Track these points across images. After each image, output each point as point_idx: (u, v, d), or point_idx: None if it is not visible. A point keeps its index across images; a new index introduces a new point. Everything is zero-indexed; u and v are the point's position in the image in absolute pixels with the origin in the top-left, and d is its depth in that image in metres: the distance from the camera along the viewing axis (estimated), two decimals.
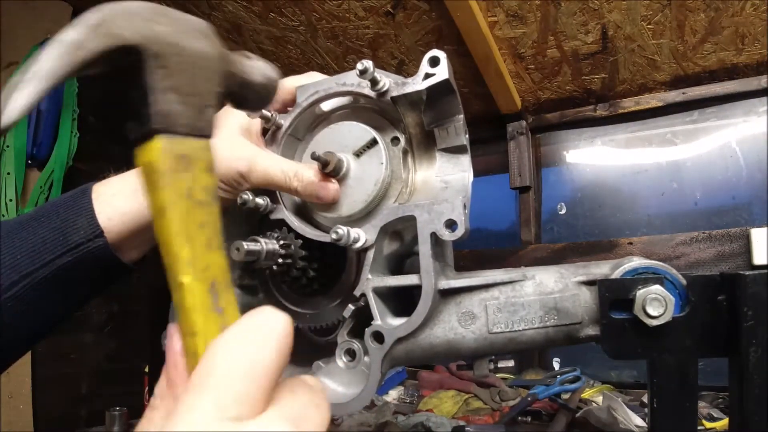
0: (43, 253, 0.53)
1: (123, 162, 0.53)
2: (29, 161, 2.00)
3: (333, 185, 0.58)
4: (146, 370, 1.72)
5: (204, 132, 0.32)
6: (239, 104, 0.42)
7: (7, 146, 1.93)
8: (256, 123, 0.63)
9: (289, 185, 0.58)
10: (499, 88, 1.81)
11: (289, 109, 0.65)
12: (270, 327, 0.29)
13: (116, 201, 0.56)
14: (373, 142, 0.59)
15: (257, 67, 0.41)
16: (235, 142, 0.60)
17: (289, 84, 0.65)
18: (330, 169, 0.57)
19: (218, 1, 1.84)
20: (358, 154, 0.59)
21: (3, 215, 1.91)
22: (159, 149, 0.29)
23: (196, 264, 0.30)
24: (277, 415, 0.27)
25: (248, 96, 0.41)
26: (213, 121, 0.33)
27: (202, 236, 0.31)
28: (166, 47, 0.30)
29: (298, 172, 0.58)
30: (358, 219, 0.59)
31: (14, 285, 0.52)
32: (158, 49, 0.30)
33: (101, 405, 1.81)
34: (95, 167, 2.10)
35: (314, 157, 0.57)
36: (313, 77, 0.64)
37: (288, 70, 2.20)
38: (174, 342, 0.31)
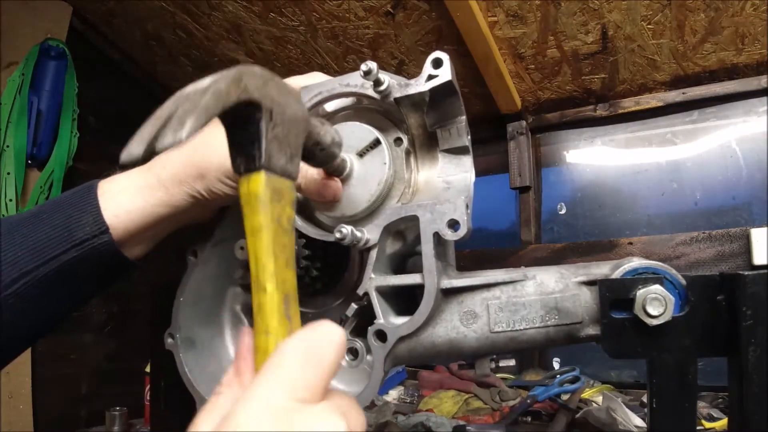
0: (46, 250, 0.53)
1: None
2: (29, 161, 2.00)
3: (335, 184, 0.58)
4: (146, 370, 1.72)
5: (292, 175, 0.39)
6: (307, 159, 0.48)
7: (7, 146, 1.93)
8: None
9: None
10: (499, 88, 1.82)
11: None
12: (331, 335, 0.33)
13: (122, 198, 0.56)
14: (377, 143, 0.59)
15: (329, 132, 0.49)
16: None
17: (293, 84, 0.65)
18: (333, 169, 0.58)
19: (218, 1, 1.84)
20: (361, 154, 0.60)
21: (3, 215, 1.91)
22: (263, 182, 0.36)
23: (277, 276, 0.36)
24: (331, 406, 0.31)
25: (317, 153, 0.48)
26: (299, 168, 0.41)
27: (283, 256, 0.37)
28: (276, 106, 0.37)
29: (302, 169, 0.58)
30: (361, 218, 0.59)
31: (15, 282, 0.52)
32: (270, 106, 0.37)
33: (101, 405, 1.81)
34: (95, 167, 2.11)
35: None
36: (315, 77, 0.65)
37: (288, 70, 2.20)
38: (246, 338, 0.36)
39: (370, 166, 0.59)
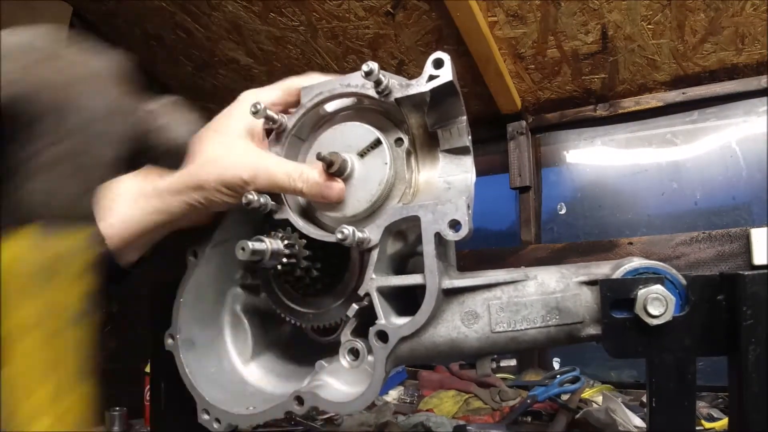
0: None
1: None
2: None
3: (338, 185, 0.59)
4: (146, 370, 1.71)
5: (89, 218, 0.24)
6: (153, 162, 0.38)
7: None
8: (259, 124, 0.63)
9: (294, 187, 0.59)
10: (499, 88, 1.82)
11: (291, 110, 0.66)
12: None
13: (117, 206, 0.55)
14: (377, 143, 0.59)
15: (173, 123, 0.34)
16: (238, 147, 0.60)
17: (291, 85, 0.65)
18: (335, 170, 0.58)
19: (218, 1, 1.84)
20: (362, 154, 0.60)
21: None
22: (24, 247, 0.20)
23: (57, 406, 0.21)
24: None
25: (160, 156, 0.34)
26: (99, 200, 0.26)
27: (64, 372, 0.22)
28: (47, 106, 0.21)
29: (303, 173, 0.59)
30: (362, 219, 0.59)
31: None
32: (37, 109, 0.20)
33: (101, 405, 1.81)
34: None
35: (319, 157, 0.58)
36: (313, 78, 0.65)
37: (288, 70, 2.20)
38: None
39: (371, 166, 0.59)
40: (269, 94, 0.64)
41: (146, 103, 0.34)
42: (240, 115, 0.61)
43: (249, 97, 0.64)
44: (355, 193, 0.59)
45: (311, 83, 0.64)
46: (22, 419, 0.22)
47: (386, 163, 0.59)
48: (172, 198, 0.56)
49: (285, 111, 0.66)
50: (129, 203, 0.55)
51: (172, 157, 0.37)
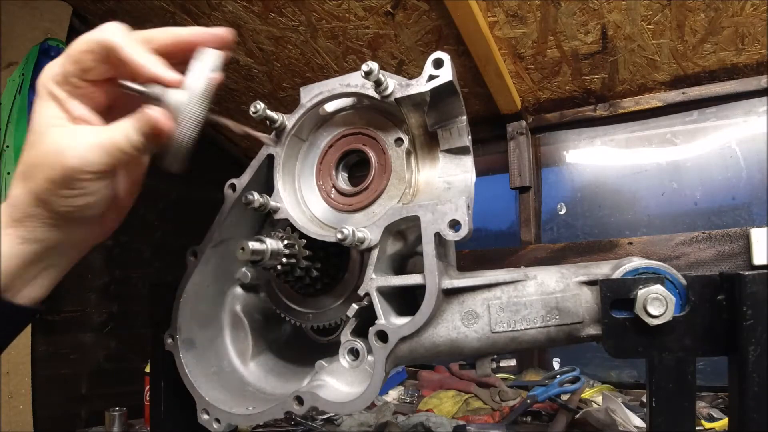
0: None
1: None
2: None
3: (157, 108, 0.50)
4: (146, 370, 1.71)
5: None
6: None
7: (7, 146, 1.93)
8: (74, 64, 0.50)
9: (131, 148, 0.50)
10: (499, 88, 1.82)
11: (91, 79, 0.52)
12: None
13: None
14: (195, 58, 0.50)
15: None
16: (45, 139, 0.49)
17: (80, 46, 0.50)
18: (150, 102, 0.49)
19: (218, 1, 1.84)
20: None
21: None
22: None
23: None
24: None
25: None
26: None
27: None
28: None
29: (129, 119, 0.50)
30: (362, 218, 0.58)
31: None
32: None
33: (101, 405, 1.81)
34: None
35: (124, 86, 0.50)
36: (106, 31, 0.50)
37: (288, 70, 2.20)
38: None
39: (193, 84, 0.50)
40: (54, 68, 0.50)
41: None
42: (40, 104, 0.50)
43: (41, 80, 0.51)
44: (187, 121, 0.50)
45: (102, 38, 0.49)
46: None
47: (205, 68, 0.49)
48: (29, 223, 0.49)
49: (90, 79, 0.51)
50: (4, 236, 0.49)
51: None
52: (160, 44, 0.52)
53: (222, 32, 0.53)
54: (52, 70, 0.50)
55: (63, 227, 0.51)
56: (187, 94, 0.49)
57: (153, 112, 0.49)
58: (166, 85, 0.50)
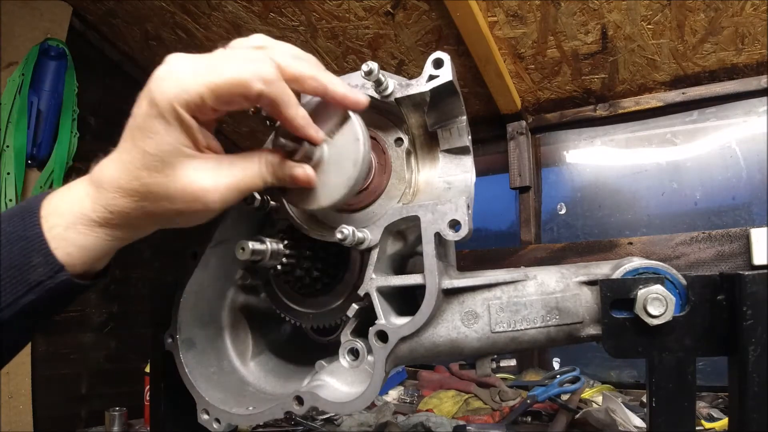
0: (2, 296, 0.48)
1: None
2: (29, 161, 2.00)
3: (307, 167, 0.52)
4: (146, 370, 1.71)
5: None
6: None
7: (7, 146, 1.93)
8: (198, 101, 0.46)
9: (263, 179, 0.51)
10: (499, 88, 1.82)
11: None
12: None
13: (72, 235, 0.48)
14: (344, 118, 0.53)
15: None
16: (177, 172, 0.47)
17: (226, 84, 0.47)
18: (299, 157, 0.52)
19: (218, 1, 1.84)
20: (329, 134, 0.53)
21: None
22: None
23: None
24: None
25: None
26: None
27: None
28: None
29: (262, 156, 0.51)
30: (357, 211, 0.57)
31: None
32: None
33: (101, 405, 1.81)
34: None
35: (278, 144, 0.53)
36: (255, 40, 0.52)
37: None
38: None
39: (341, 146, 0.53)
40: (188, 92, 0.46)
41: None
42: (164, 90, 0.46)
43: (178, 63, 0.48)
44: (329, 179, 0.53)
45: (259, 87, 0.47)
46: None
47: (359, 139, 0.52)
48: (130, 231, 0.50)
49: (215, 117, 0.49)
50: (84, 233, 0.49)
51: None
52: (305, 90, 0.51)
53: (363, 101, 0.53)
54: (184, 92, 0.45)
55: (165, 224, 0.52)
56: (351, 163, 0.52)
57: (300, 171, 0.51)
58: (312, 142, 0.52)
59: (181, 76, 0.46)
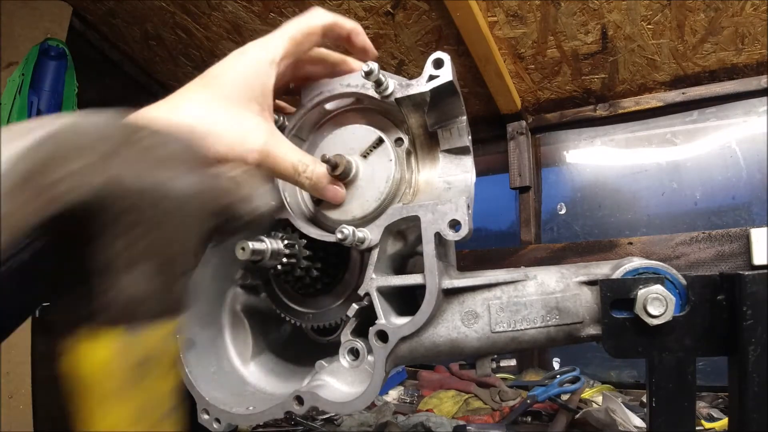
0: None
1: None
2: None
3: (340, 188, 0.58)
4: None
5: (174, 311, 0.23)
6: (224, 234, 0.32)
7: None
8: (269, 87, 0.53)
9: (297, 180, 0.56)
10: (499, 88, 1.82)
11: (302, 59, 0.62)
12: None
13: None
14: (380, 141, 0.60)
15: (254, 191, 0.32)
16: (245, 118, 0.51)
17: (297, 32, 0.58)
18: (340, 172, 0.57)
19: (218, 1, 1.84)
20: (365, 155, 0.60)
21: None
22: (113, 350, 0.20)
23: None
24: None
25: (241, 227, 0.32)
26: (187, 288, 0.24)
27: None
28: (133, 197, 0.20)
29: (309, 167, 0.56)
30: (371, 219, 0.59)
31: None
32: (123, 200, 0.19)
33: None
34: None
35: (324, 159, 0.57)
36: (314, 16, 0.61)
37: None
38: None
39: (376, 165, 0.59)
40: (277, 48, 0.54)
41: (225, 169, 0.31)
42: (246, 63, 0.52)
43: (253, 50, 0.54)
44: (362, 194, 0.59)
45: (312, 23, 0.59)
46: None
47: (391, 160, 0.59)
48: None
49: (296, 64, 0.59)
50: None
51: (253, 227, 0.33)
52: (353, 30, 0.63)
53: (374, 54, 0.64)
54: (276, 51, 0.54)
55: None
56: (384, 179, 0.59)
57: (332, 192, 0.57)
58: (371, 58, 0.62)
59: (272, 40, 0.56)
